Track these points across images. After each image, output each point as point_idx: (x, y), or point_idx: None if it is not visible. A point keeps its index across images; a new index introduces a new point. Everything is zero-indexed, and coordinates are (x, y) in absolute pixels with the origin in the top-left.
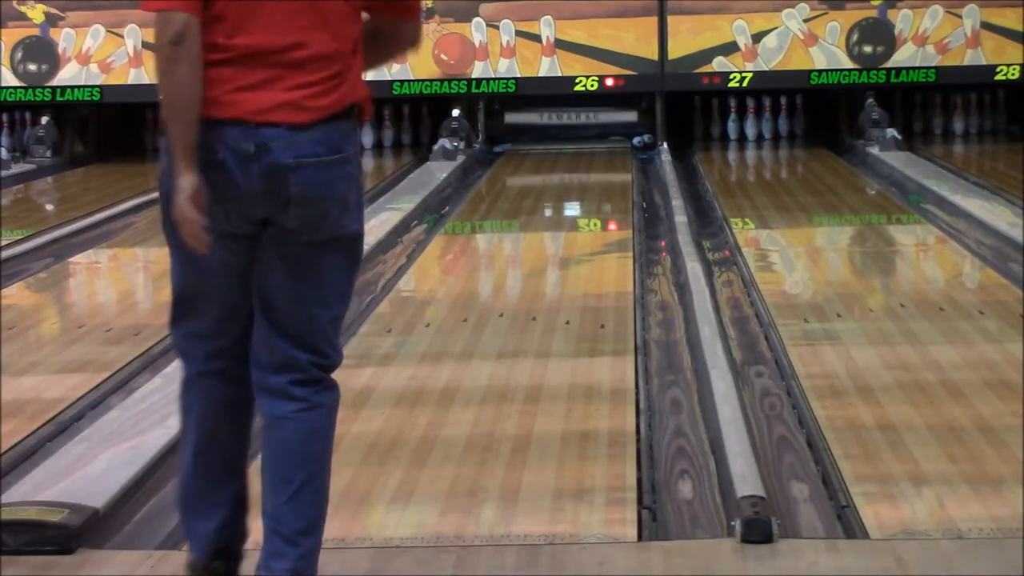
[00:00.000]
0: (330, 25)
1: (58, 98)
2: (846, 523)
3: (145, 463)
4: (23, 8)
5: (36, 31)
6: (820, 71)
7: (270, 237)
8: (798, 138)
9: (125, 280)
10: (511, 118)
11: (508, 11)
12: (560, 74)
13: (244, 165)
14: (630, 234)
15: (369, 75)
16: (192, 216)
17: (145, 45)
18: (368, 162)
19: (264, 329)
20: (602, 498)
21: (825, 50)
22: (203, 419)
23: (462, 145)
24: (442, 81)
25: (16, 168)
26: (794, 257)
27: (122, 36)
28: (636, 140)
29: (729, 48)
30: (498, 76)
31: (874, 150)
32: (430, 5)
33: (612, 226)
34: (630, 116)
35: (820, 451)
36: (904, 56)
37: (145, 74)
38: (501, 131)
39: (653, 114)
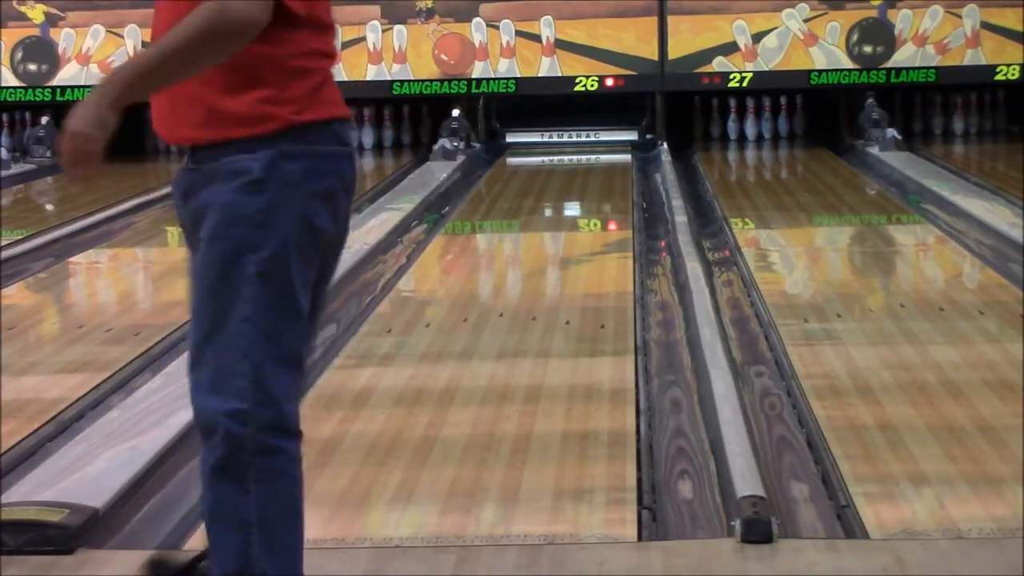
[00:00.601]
0: None
1: (58, 98)
2: (846, 523)
3: (145, 463)
4: (23, 8)
5: (36, 31)
6: (820, 71)
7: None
8: (798, 138)
9: (125, 280)
10: (512, 137)
11: (508, 11)
12: (560, 74)
13: (354, 158)
14: (630, 234)
15: (370, 75)
16: (102, 136)
17: (145, 45)
18: (368, 162)
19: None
20: (602, 498)
21: (825, 50)
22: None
23: (462, 145)
24: (442, 81)
25: (16, 168)
26: (794, 257)
27: (122, 36)
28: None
29: (729, 48)
30: (498, 76)
31: (874, 150)
32: (430, 5)
33: (612, 226)
34: (631, 135)
35: (820, 451)
36: (904, 56)
37: None
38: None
39: (655, 129)
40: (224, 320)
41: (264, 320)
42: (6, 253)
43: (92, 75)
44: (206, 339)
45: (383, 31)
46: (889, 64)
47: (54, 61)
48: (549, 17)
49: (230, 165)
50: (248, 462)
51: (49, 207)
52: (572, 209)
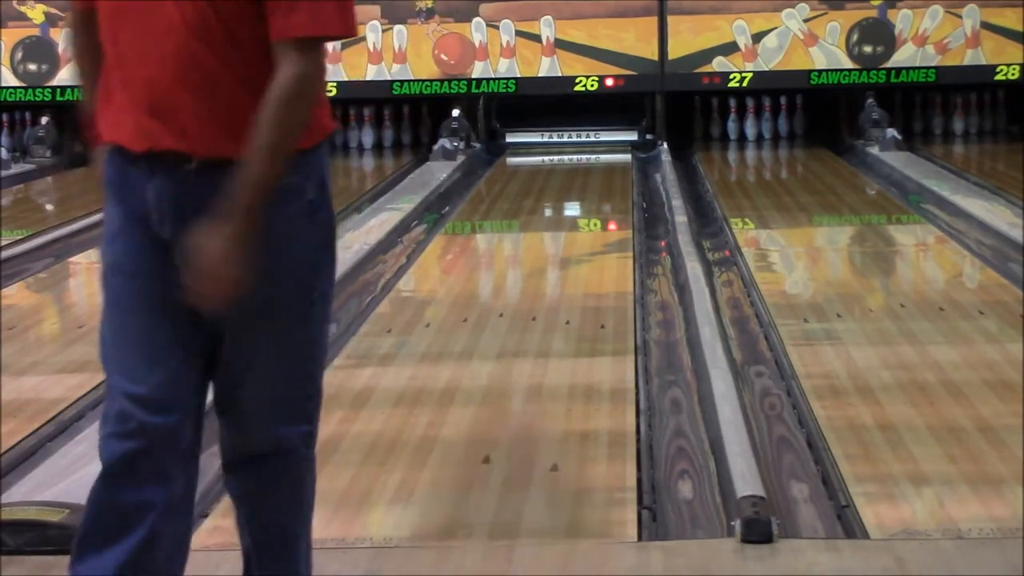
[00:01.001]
0: None
1: (58, 98)
2: (846, 523)
3: None
4: (23, 8)
5: (36, 31)
6: (820, 71)
7: None
8: (798, 138)
9: None
10: (512, 137)
11: (508, 11)
12: (560, 74)
13: None
14: (630, 234)
15: (370, 75)
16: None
17: None
18: (368, 162)
19: None
20: (602, 498)
21: (825, 50)
22: None
23: (462, 145)
24: (442, 81)
25: (16, 168)
26: (794, 257)
27: None
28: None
29: (729, 48)
30: (498, 76)
31: (874, 150)
32: (430, 5)
33: (612, 226)
34: (631, 135)
35: (820, 451)
36: (904, 56)
37: None
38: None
39: (655, 130)
40: (289, 344)
41: (325, 340)
42: (6, 253)
43: None
44: (267, 363)
45: (383, 31)
46: (889, 64)
47: (54, 61)
48: (549, 17)
49: (282, 185)
50: (304, 478)
51: (49, 207)
52: (572, 209)
